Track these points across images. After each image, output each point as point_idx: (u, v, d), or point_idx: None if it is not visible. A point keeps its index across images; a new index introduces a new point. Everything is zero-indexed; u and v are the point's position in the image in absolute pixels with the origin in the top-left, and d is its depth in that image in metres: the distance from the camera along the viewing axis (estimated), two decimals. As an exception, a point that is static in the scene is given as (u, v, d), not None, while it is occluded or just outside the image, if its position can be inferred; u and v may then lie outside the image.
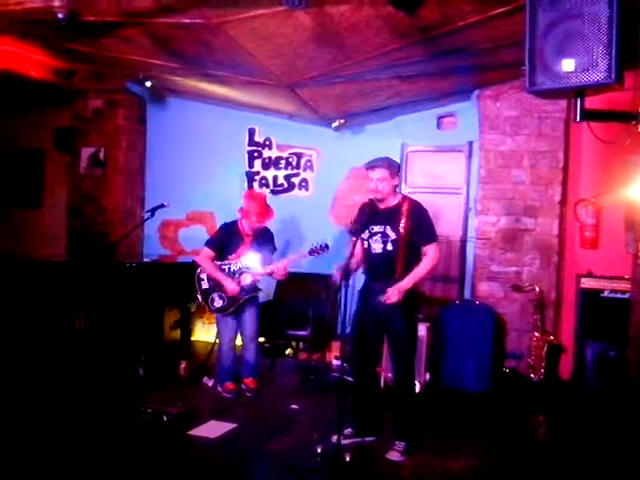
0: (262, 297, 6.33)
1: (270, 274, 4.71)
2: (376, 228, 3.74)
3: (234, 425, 4.08)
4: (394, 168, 3.77)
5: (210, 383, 4.99)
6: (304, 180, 6.50)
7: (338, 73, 4.72)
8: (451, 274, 5.98)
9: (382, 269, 3.72)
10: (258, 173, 6.66)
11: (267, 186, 6.62)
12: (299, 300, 5.69)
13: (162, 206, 4.98)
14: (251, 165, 6.68)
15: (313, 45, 4.18)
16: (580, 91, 2.33)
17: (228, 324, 4.78)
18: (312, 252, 4.44)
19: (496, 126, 5.55)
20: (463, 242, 5.96)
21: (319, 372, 5.40)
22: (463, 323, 5.06)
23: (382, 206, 3.77)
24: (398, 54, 4.36)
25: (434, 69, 4.83)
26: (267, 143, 6.61)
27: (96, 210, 6.82)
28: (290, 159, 6.54)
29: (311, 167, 6.48)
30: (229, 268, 4.68)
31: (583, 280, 5.03)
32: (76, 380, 4.71)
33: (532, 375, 5.00)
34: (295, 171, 6.53)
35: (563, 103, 5.27)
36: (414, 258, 3.69)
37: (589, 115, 2.45)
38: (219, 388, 4.82)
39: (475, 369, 4.94)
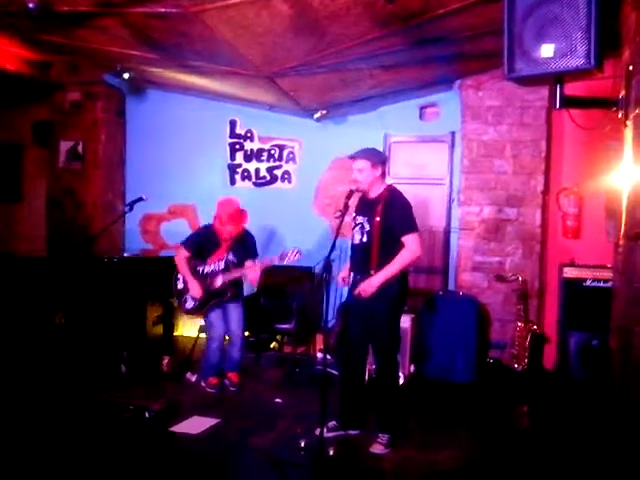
0: (247, 290, 6.35)
1: (240, 277, 4.68)
2: (359, 219, 3.72)
3: (217, 420, 4.03)
4: (376, 159, 3.72)
5: (193, 378, 4.93)
6: (286, 172, 6.44)
7: (319, 63, 4.66)
8: (435, 265, 5.97)
9: (360, 261, 3.69)
10: (240, 165, 6.58)
11: (249, 179, 6.56)
12: (283, 293, 5.64)
13: (140, 199, 4.90)
14: (233, 157, 6.60)
15: (292, 34, 4.11)
16: (559, 77, 2.30)
17: (218, 321, 4.73)
18: (282, 257, 4.38)
19: (478, 116, 5.53)
20: (447, 233, 5.94)
21: (303, 365, 5.36)
22: (447, 314, 5.05)
23: (369, 197, 3.73)
24: (379, 43, 4.30)
25: (415, 58, 4.79)
26: (249, 135, 6.54)
27: (75, 205, 6.71)
28: (272, 151, 6.47)
29: (293, 159, 6.42)
30: (203, 270, 4.65)
31: (566, 269, 5.02)
32: (56, 377, 4.65)
33: (516, 365, 5.00)
34: (277, 163, 6.46)
35: (545, 92, 5.26)
36: (392, 251, 3.62)
37: (569, 102, 2.42)
38: (202, 383, 4.77)
39: (459, 360, 4.93)
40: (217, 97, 6.37)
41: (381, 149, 6.11)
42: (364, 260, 3.66)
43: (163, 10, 3.86)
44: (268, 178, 6.50)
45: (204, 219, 6.50)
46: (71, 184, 6.73)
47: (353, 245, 3.75)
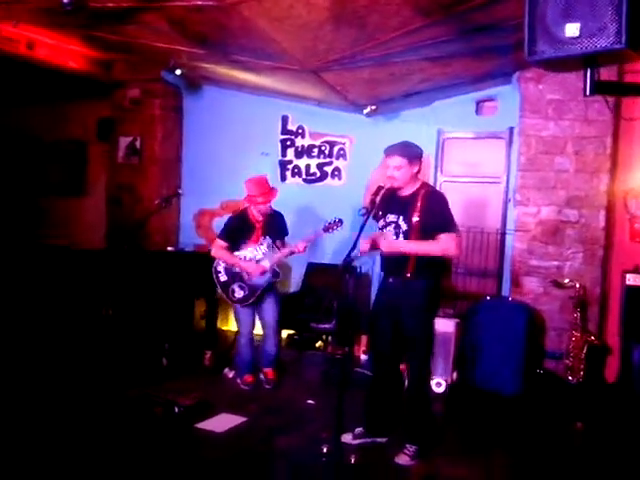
0: (292, 287, 6.29)
1: (291, 254, 4.64)
2: (391, 217, 3.53)
3: (244, 419, 3.98)
4: (413, 155, 3.51)
5: (231, 374, 4.91)
6: (337, 169, 6.32)
7: (362, 55, 4.51)
8: (488, 268, 5.67)
9: (394, 263, 3.50)
10: (291, 162, 6.52)
11: (299, 175, 6.48)
12: (326, 292, 5.53)
13: (177, 194, 4.94)
14: (284, 154, 6.55)
15: (331, 26, 3.98)
16: (590, 60, 2.04)
17: (246, 315, 4.68)
18: (327, 229, 4.40)
19: (538, 110, 5.18)
20: (502, 234, 5.63)
21: (345, 366, 5.22)
22: (494, 320, 4.76)
23: (400, 194, 3.54)
24: (423, 33, 4.10)
25: (465, 50, 4.53)
26: (300, 131, 6.46)
27: (133, 199, 6.87)
28: (323, 147, 6.36)
29: (344, 155, 6.29)
30: (245, 257, 4.59)
31: (628, 276, 4.62)
32: (99, 369, 4.73)
33: (570, 378, 4.66)
34: (328, 160, 6.35)
35: (612, 84, 4.86)
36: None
37: (602, 88, 2.15)
38: (238, 380, 4.73)
39: (506, 369, 4.63)
40: (269, 93, 6.34)
41: (434, 146, 5.89)
42: (399, 262, 3.47)
43: (200, 2, 3.85)
44: (318, 175, 6.41)
45: (256, 215, 6.53)
46: (129, 179, 6.91)
47: None
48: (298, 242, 4.52)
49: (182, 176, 7.16)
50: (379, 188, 3.46)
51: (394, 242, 3.42)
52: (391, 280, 3.53)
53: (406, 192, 3.52)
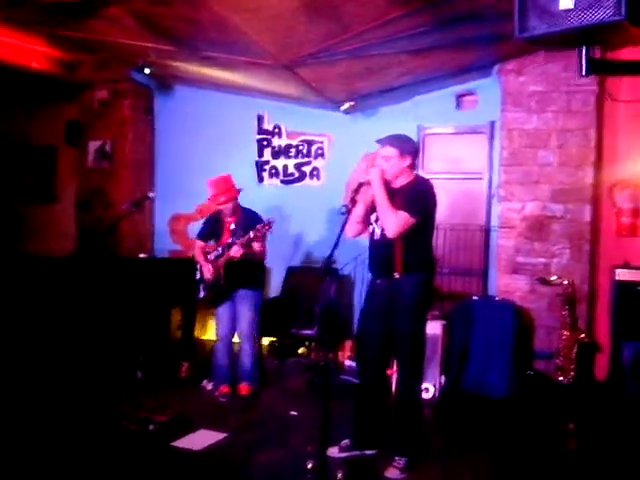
0: (272, 292, 6.07)
1: (229, 258, 4.32)
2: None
3: (224, 435, 3.74)
4: (406, 147, 3.32)
5: (209, 386, 4.68)
6: (315, 169, 6.13)
7: (338, 49, 4.32)
8: (473, 267, 5.51)
9: (381, 260, 3.31)
10: (268, 162, 6.32)
11: (277, 176, 6.29)
12: (307, 296, 5.33)
13: (147, 198, 4.70)
14: (261, 154, 6.34)
15: (305, 17, 3.79)
16: (584, 36, 1.86)
17: (222, 317, 4.51)
18: (257, 231, 4.13)
19: (520, 103, 5.05)
20: (487, 231, 5.48)
21: (329, 373, 5.01)
22: (481, 321, 4.60)
23: (392, 186, 3.33)
24: (402, 24, 3.93)
25: (445, 41, 4.38)
26: (276, 131, 6.27)
27: (104, 204, 6.61)
28: (300, 147, 6.17)
29: (322, 154, 6.10)
30: (215, 255, 4.44)
31: (618, 271, 4.49)
32: (67, 384, 4.47)
33: (561, 378, 4.48)
34: (306, 159, 6.16)
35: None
36: (416, 247, 3.25)
37: (598, 67, 1.98)
38: (216, 392, 4.51)
39: (495, 372, 4.48)
40: (244, 92, 6.13)
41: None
42: (386, 259, 3.28)
43: (164, -6, 3.64)
44: (296, 175, 6.21)
45: (232, 218, 6.31)
46: (100, 184, 6.65)
47: (373, 241, 3.38)
48: (233, 247, 4.27)
49: (155, 180, 6.91)
50: (360, 185, 3.26)
51: (377, 179, 3.20)
52: (379, 282, 3.34)
53: (398, 184, 3.33)
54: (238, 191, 4.45)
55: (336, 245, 2.94)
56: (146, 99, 6.73)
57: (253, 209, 4.60)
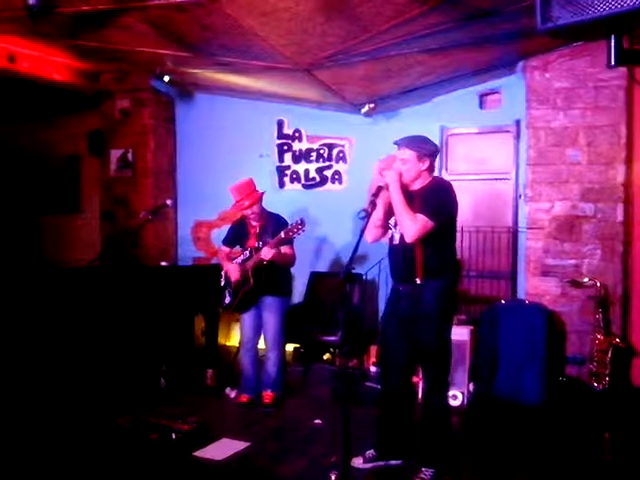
0: (296, 298, 6.00)
1: (259, 261, 4.20)
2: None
3: (246, 444, 3.68)
4: (424, 149, 3.19)
5: (232, 394, 4.63)
6: (337, 172, 6.05)
7: (356, 50, 4.25)
8: (501, 269, 5.37)
9: (402, 264, 3.20)
10: (289, 167, 6.26)
11: (298, 181, 6.22)
12: (330, 302, 5.25)
13: (164, 206, 4.65)
14: (281, 159, 6.28)
15: (321, 18, 3.73)
16: (613, 24, 1.74)
17: (245, 323, 4.45)
18: (287, 232, 4.03)
19: (545, 100, 4.90)
20: (514, 233, 5.33)
21: (353, 380, 4.93)
22: (511, 325, 4.45)
23: (410, 189, 3.23)
24: (420, 22, 3.84)
25: (466, 39, 4.26)
26: (297, 135, 6.20)
27: (127, 213, 6.62)
28: (321, 151, 6.10)
29: (344, 158, 6.02)
30: (242, 259, 4.38)
31: (653, 272, 4.31)
32: (92, 392, 4.45)
33: (595, 384, 4.34)
34: (327, 163, 6.08)
35: (622, 69, 4.57)
36: (437, 252, 3.14)
37: (628, 57, 1.85)
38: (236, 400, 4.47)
39: (526, 378, 4.32)
40: (264, 97, 6.09)
41: (437, 143, 5.60)
42: (407, 264, 3.17)
43: (179, 0, 3.60)
44: (318, 179, 6.14)
45: (254, 224, 6.27)
46: (122, 193, 6.66)
47: (392, 246, 3.28)
48: (264, 249, 4.17)
49: (177, 187, 6.91)
50: (379, 188, 3.17)
51: (395, 182, 3.08)
52: (401, 288, 3.23)
53: (416, 187, 3.23)
54: (261, 193, 4.37)
55: (355, 251, 2.84)
56: (167, 107, 6.74)
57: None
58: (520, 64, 4.99)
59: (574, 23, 1.73)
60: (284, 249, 4.22)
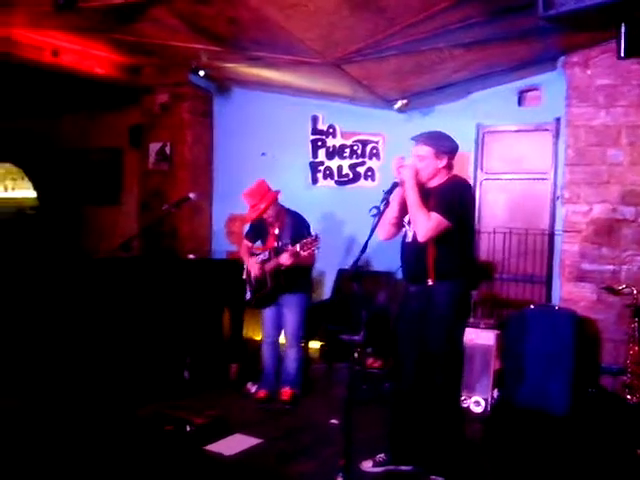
0: (324, 295, 5.96)
1: (277, 265, 4.18)
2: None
3: (259, 441, 3.66)
4: (442, 146, 3.12)
5: (253, 389, 4.63)
6: (370, 169, 5.96)
7: (386, 44, 4.15)
8: (536, 273, 5.17)
9: (413, 264, 3.12)
10: (322, 163, 6.20)
11: (331, 177, 6.16)
12: (355, 300, 5.16)
13: (187, 199, 4.66)
14: (315, 155, 6.24)
15: (347, 11, 3.65)
16: (620, 10, 1.60)
17: (266, 318, 4.45)
18: (302, 246, 3.94)
19: (586, 97, 4.68)
20: (551, 236, 5.12)
21: (375, 381, 4.85)
22: (538, 331, 4.27)
23: (427, 186, 3.15)
24: (451, 15, 3.71)
25: (501, 32, 4.10)
26: (331, 131, 6.14)
27: (163, 206, 6.70)
28: (355, 147, 6.01)
29: (377, 155, 5.92)
30: (262, 259, 4.37)
31: (695, 281, 4.06)
32: (116, 383, 4.53)
33: (628, 396, 4.12)
34: (360, 160, 6.00)
35: (671, 65, 4.34)
36: (450, 252, 3.04)
37: (638, 47, 1.70)
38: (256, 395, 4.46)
39: (552, 386, 4.13)
40: (298, 93, 6.06)
41: (472, 141, 5.45)
42: (419, 264, 3.09)
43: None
44: (351, 176, 6.06)
45: (287, 220, 6.25)
46: (160, 185, 6.76)
47: (404, 244, 3.20)
48: (283, 255, 4.12)
49: (213, 181, 6.96)
50: (394, 185, 3.09)
51: (410, 179, 3.01)
52: (413, 289, 3.15)
53: (432, 184, 3.13)
54: (276, 193, 4.31)
55: (364, 249, 2.80)
56: (205, 102, 6.79)
57: (299, 212, 4.49)
58: (561, 60, 4.78)
59: (578, 9, 1.60)
60: (303, 254, 4.08)
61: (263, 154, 6.43)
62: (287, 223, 4.33)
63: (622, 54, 1.71)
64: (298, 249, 3.96)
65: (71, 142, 7.82)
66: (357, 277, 2.80)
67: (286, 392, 4.33)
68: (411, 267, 3.15)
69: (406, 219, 3.19)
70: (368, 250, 4.67)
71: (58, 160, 7.91)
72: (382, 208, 3.00)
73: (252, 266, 4.36)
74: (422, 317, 3.06)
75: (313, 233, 4.04)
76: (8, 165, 9.11)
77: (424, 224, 2.93)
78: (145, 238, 6.82)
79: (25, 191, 9.09)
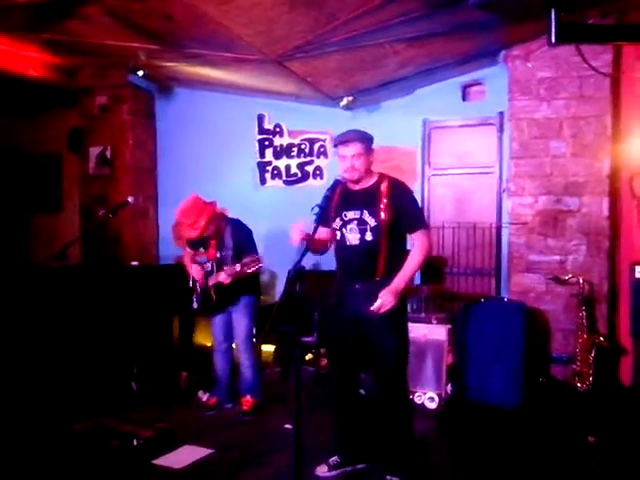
0: (277, 298, 5.85)
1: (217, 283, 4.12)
2: (350, 214, 3.08)
3: (209, 451, 3.54)
4: (369, 142, 3.12)
5: (204, 397, 4.48)
6: (318, 168, 5.89)
7: (327, 40, 4.10)
8: (485, 266, 5.20)
9: (360, 265, 3.06)
10: (270, 163, 6.10)
11: (280, 177, 6.06)
12: (306, 302, 5.07)
13: (126, 203, 4.49)
14: (262, 155, 6.13)
15: (284, 6, 3.58)
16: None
17: (216, 325, 4.32)
18: (242, 265, 3.89)
19: (528, 90, 4.72)
20: (498, 229, 5.16)
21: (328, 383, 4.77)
22: (488, 324, 4.28)
23: (356, 187, 3.12)
24: (391, 10, 3.68)
25: (442, 27, 4.09)
26: (277, 130, 6.04)
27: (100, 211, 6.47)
28: (302, 146, 5.93)
29: (325, 153, 5.85)
30: (206, 270, 4.26)
31: (638, 269, 4.13)
32: (57, 396, 4.31)
33: (579, 384, 4.17)
34: (308, 159, 5.92)
35: (608, 57, 4.41)
36: (398, 251, 3.04)
37: (570, 33, 1.67)
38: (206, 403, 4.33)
39: (504, 379, 4.15)
40: (244, 92, 5.93)
41: (419, 137, 5.45)
42: (367, 264, 3.04)
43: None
44: (299, 175, 5.98)
45: (236, 222, 6.11)
46: (101, 190, 6.52)
47: (346, 247, 3.13)
48: (222, 274, 4.04)
49: (158, 184, 6.76)
50: (336, 182, 3.03)
51: (391, 289, 2.95)
52: (357, 286, 3.09)
53: (364, 185, 3.10)
54: (213, 205, 4.13)
55: (306, 250, 2.73)
56: (146, 103, 6.58)
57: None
58: (502, 53, 4.80)
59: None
60: (244, 270, 3.92)
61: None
62: (227, 232, 4.17)
63: (552, 40, 1.68)
64: (238, 269, 3.87)
65: (8, 147, 7.45)
66: (298, 278, 2.72)
67: (247, 402, 4.20)
68: (358, 266, 3.09)
69: (337, 224, 3.14)
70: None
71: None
72: (323, 205, 2.96)
73: (196, 274, 4.25)
74: (366, 313, 2.98)
75: (253, 255, 3.92)
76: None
77: (427, 251, 3.05)
78: (87, 245, 6.61)
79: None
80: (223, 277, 4.00)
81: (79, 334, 4.47)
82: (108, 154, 6.43)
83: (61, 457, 3.42)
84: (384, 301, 2.92)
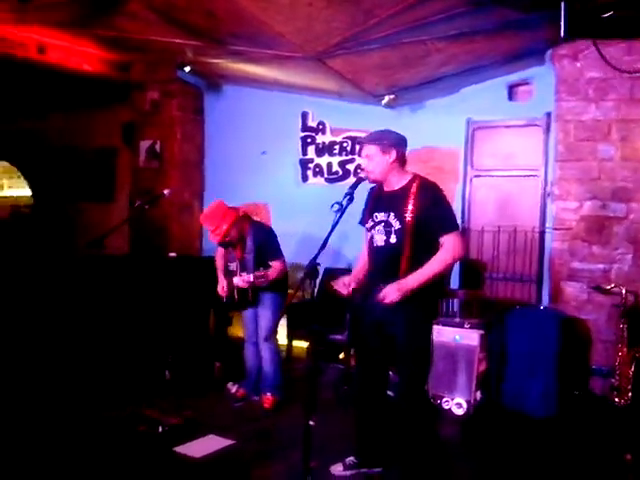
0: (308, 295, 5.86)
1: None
2: (380, 216, 3.06)
3: (231, 442, 3.58)
4: (387, 141, 3.04)
5: (233, 389, 4.54)
6: (359, 166, 5.84)
7: (366, 37, 4.07)
8: (526, 272, 5.05)
9: (384, 266, 3.02)
10: (312, 160, 6.12)
11: (321, 174, 6.07)
12: (338, 301, 5.07)
13: (162, 195, 4.56)
14: (305, 152, 6.15)
15: (322, 2, 3.57)
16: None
17: (246, 319, 4.37)
18: (256, 277, 3.97)
19: (576, 91, 4.55)
20: (541, 234, 5.00)
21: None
22: (523, 331, 4.15)
23: (386, 189, 3.09)
24: (431, 6, 3.61)
25: (485, 24, 3.99)
26: (320, 127, 6.05)
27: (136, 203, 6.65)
28: (344, 144, 5.92)
29: (366, 151, 5.81)
30: (232, 269, 4.31)
31: (685, 280, 3.92)
32: (94, 383, 4.47)
33: (616, 399, 3.99)
34: (350, 157, 5.90)
35: (662, 57, 4.20)
36: (426, 253, 2.94)
37: (581, 26, 1.57)
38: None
39: (535, 388, 4.02)
40: (288, 89, 5.97)
41: (462, 137, 5.34)
42: (391, 265, 3.00)
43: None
44: (340, 173, 5.97)
45: (277, 218, 6.17)
46: (150, 183, 6.68)
47: (375, 248, 3.10)
48: (239, 278, 4.09)
49: (205, 178, 6.90)
50: (358, 180, 3.01)
51: (398, 285, 2.87)
52: (381, 287, 3.05)
53: (395, 186, 3.06)
54: (236, 211, 4.14)
55: (323, 246, 2.72)
56: (195, 99, 6.73)
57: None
58: (549, 52, 4.64)
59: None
60: (256, 281, 4.00)
61: (263, 152, 6.35)
62: (250, 235, 4.19)
63: (562, 34, 1.60)
64: (251, 279, 3.97)
65: (64, 140, 7.78)
66: (312, 274, 2.71)
67: (267, 399, 4.22)
68: (382, 267, 3.06)
69: (369, 224, 3.13)
70: (357, 248, 4.54)
71: (51, 158, 7.88)
72: (345, 204, 2.92)
73: (221, 290, 4.34)
74: (391, 316, 2.95)
75: (277, 260, 4.10)
76: (4, 163, 9.12)
77: (454, 256, 2.96)
78: (135, 236, 6.82)
79: (21, 189, 9.09)
80: (239, 282, 4.08)
81: (117, 322, 4.62)
82: (157, 148, 6.61)
83: (88, 441, 3.53)
84: (387, 292, 2.86)
